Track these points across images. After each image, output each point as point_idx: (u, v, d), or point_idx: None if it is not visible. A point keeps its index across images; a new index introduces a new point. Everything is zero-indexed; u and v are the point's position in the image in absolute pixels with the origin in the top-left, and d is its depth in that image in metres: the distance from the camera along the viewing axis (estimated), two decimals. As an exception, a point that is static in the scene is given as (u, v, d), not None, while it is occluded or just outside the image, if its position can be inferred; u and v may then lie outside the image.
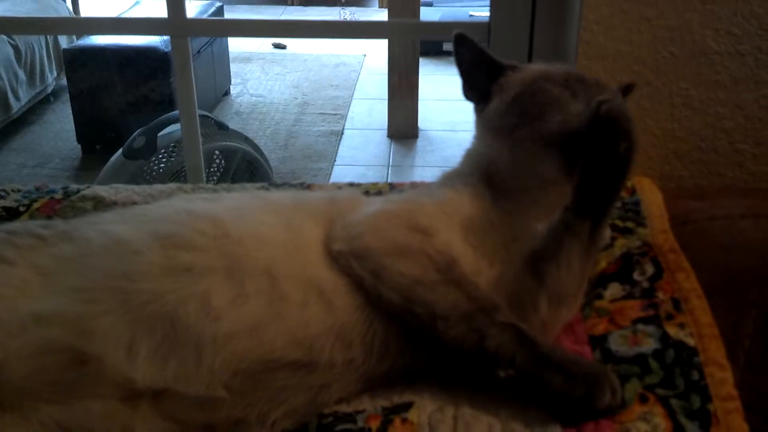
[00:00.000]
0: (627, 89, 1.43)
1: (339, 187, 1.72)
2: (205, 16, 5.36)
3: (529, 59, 1.94)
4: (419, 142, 5.43)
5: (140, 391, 1.03)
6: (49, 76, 5.96)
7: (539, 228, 1.25)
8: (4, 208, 1.62)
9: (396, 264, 1.17)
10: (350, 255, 1.18)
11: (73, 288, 1.08)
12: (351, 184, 1.72)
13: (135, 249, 1.13)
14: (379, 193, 1.65)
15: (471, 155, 1.41)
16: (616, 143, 1.13)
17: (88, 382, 1.02)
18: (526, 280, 1.21)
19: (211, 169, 3.68)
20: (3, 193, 1.69)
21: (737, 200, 1.55)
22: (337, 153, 5.24)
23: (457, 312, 1.11)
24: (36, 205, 1.61)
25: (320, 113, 5.89)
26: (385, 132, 5.50)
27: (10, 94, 5.38)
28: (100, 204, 1.62)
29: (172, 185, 1.72)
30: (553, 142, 1.22)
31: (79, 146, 5.30)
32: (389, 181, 4.68)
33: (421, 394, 1.15)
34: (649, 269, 1.35)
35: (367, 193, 1.65)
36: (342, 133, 5.54)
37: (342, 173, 4.94)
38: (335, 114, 5.87)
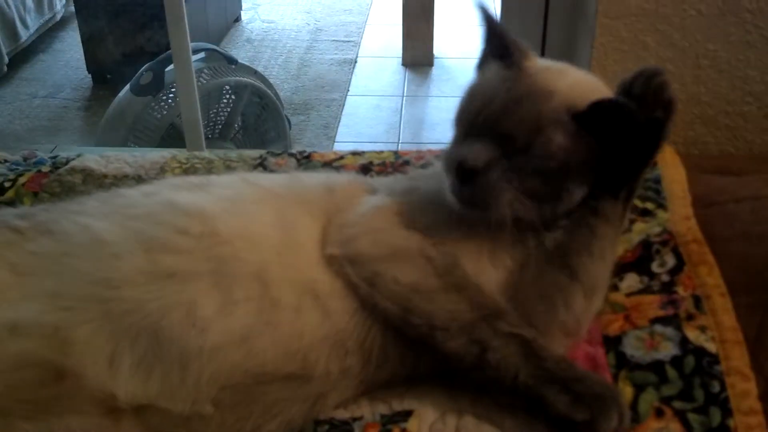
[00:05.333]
0: None
1: (342, 156, 1.63)
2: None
3: (545, 18, 1.83)
4: (434, 70, 5.27)
5: (122, 407, 0.98)
6: (58, 2, 5.83)
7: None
8: (-10, 185, 1.57)
9: (391, 270, 1.10)
10: (344, 260, 1.12)
11: (51, 293, 1.02)
12: (354, 153, 1.64)
13: (116, 252, 1.06)
14: (383, 164, 1.57)
15: None
16: (654, 108, 1.06)
17: (66, 398, 0.97)
18: (556, 278, 1.13)
19: (221, 105, 3.62)
20: (-9, 163, 1.63)
21: (765, 176, 1.45)
22: (350, 82, 5.11)
23: (458, 322, 1.05)
24: (22, 180, 1.55)
25: (333, 40, 5.74)
26: (400, 60, 5.35)
27: (18, 22, 5.26)
28: (90, 177, 1.55)
29: (166, 153, 1.64)
30: None
31: (90, 75, 5.19)
32: (401, 134, 4.59)
33: (421, 399, 1.11)
34: (670, 261, 1.28)
35: (371, 164, 1.58)
36: (355, 62, 5.40)
37: (355, 104, 4.83)
38: (348, 41, 5.72)
